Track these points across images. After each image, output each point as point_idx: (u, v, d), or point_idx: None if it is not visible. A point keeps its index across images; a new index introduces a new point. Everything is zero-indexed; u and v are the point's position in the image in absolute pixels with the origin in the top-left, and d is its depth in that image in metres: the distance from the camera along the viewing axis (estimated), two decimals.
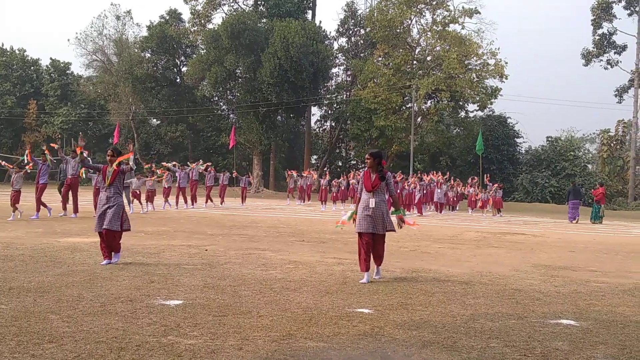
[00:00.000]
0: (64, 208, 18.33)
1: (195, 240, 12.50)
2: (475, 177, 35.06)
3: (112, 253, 9.05)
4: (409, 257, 11.09)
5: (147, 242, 11.83)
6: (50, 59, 63.03)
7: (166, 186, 24.06)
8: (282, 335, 5.23)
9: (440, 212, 28.72)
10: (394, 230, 8.39)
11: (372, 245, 8.22)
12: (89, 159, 10.54)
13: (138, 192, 21.31)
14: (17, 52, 62.79)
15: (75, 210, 18.22)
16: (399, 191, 26.85)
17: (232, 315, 5.91)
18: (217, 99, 59.47)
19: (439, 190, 27.81)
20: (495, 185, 32.08)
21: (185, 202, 24.81)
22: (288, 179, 34.85)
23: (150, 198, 21.85)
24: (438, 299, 7.14)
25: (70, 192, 18.51)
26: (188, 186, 25.26)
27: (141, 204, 21.07)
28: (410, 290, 7.60)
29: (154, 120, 60.44)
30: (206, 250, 10.90)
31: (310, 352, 4.78)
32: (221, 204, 27.36)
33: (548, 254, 12.75)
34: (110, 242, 9.01)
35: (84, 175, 17.88)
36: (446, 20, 46.58)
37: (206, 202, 26.59)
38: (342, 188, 30.38)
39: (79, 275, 7.79)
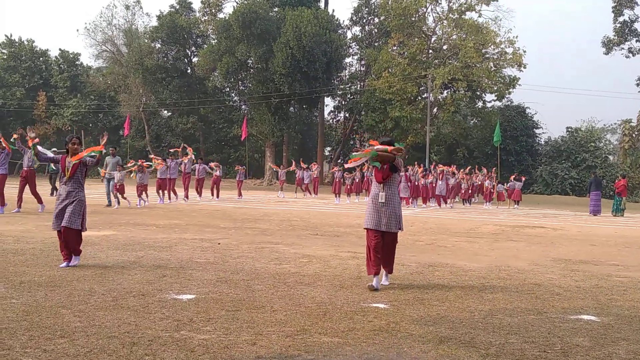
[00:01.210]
0: (19, 205, 16.86)
1: (208, 234, 12.55)
2: (491, 170, 34.73)
3: (72, 255, 8.26)
4: (425, 251, 11.08)
5: (159, 236, 11.90)
6: (60, 49, 63.32)
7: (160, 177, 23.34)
8: (296, 330, 5.25)
9: (440, 205, 27.74)
10: (401, 229, 7.69)
11: (381, 245, 7.46)
12: (45, 151, 9.65)
13: (121, 186, 20.05)
14: (25, 42, 63.04)
15: (39, 201, 17.24)
16: (416, 183, 26.82)
17: (245, 310, 5.93)
18: (228, 90, 59.52)
19: (440, 183, 27.27)
20: (513, 176, 32.05)
21: (174, 194, 24.17)
22: (280, 170, 35.07)
23: (140, 192, 20.96)
24: (455, 293, 7.13)
25: (27, 186, 17.27)
26: (180, 178, 25.08)
27: (125, 198, 20.20)
28: (426, 285, 7.60)
29: (165, 111, 60.61)
30: (219, 244, 10.95)
31: (325, 348, 4.79)
32: (217, 197, 26.99)
33: (568, 247, 12.69)
34: (69, 242, 8.23)
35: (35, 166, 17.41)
36: (462, 8, 46.28)
37: (186, 196, 25.17)
38: (357, 180, 30.33)
39: (90, 269, 7.85)
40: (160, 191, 23.35)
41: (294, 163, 34.85)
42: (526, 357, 4.75)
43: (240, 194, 29.09)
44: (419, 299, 6.76)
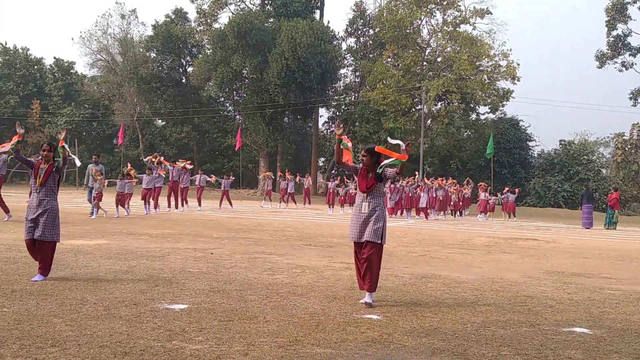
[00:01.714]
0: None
1: (201, 244, 12.52)
2: (481, 183, 34.62)
3: (40, 268, 7.77)
4: (418, 262, 11.08)
5: (152, 245, 11.86)
6: (54, 58, 63.36)
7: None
8: (289, 341, 5.24)
9: (426, 217, 27.71)
10: (383, 242, 7.09)
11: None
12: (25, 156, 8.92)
13: (99, 194, 19.14)
14: (20, 50, 63.04)
15: (6, 211, 16.78)
16: (410, 194, 26.81)
17: (238, 320, 5.91)
18: (223, 99, 59.60)
19: (422, 194, 27.20)
20: (507, 188, 32.22)
21: (154, 205, 22.83)
22: (263, 179, 34.01)
23: (121, 201, 20.04)
24: (448, 305, 7.13)
25: None
26: (166, 187, 24.47)
27: (100, 208, 19.31)
28: (419, 297, 7.59)
29: (159, 121, 60.63)
30: (212, 253, 10.92)
31: (317, 359, 4.78)
32: (197, 205, 26.43)
33: (561, 260, 12.72)
34: (43, 255, 7.79)
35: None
36: (457, 21, 46.56)
37: (177, 206, 24.47)
38: (350, 192, 30.32)
39: (82, 278, 7.82)
40: (145, 201, 22.18)
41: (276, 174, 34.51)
42: None
43: (225, 203, 28.24)
44: (411, 310, 6.75)
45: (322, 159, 58.79)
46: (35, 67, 63.21)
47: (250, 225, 18.32)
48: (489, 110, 49.39)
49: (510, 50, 45.47)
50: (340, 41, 55.25)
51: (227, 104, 60.07)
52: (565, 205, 46.32)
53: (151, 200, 22.52)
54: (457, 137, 50.08)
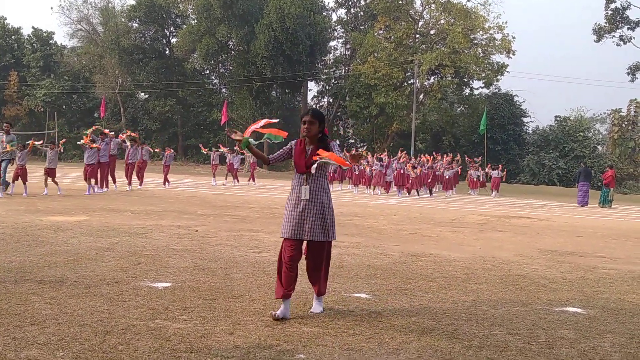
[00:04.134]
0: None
1: (185, 221, 12.50)
2: (472, 158, 34.67)
3: None
4: (408, 241, 11.12)
5: (134, 222, 11.83)
6: (32, 27, 62.60)
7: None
8: (275, 320, 5.25)
9: (387, 191, 27.61)
10: (334, 238, 5.73)
11: (298, 259, 5.64)
12: None
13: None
14: None
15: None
16: (402, 171, 26.77)
17: (223, 298, 5.92)
18: (208, 72, 59.24)
19: (389, 170, 27.25)
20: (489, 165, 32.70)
21: (97, 183, 20.15)
22: (212, 154, 30.11)
23: (23, 176, 17.70)
24: (438, 284, 7.17)
25: None
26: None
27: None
28: (409, 275, 7.63)
29: (142, 94, 60.21)
30: (196, 231, 10.91)
31: (305, 338, 4.80)
32: (140, 184, 23.26)
33: (554, 238, 12.80)
34: None
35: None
36: None
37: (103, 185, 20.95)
38: (340, 168, 30.30)
39: (62, 256, 7.79)
40: (91, 179, 19.49)
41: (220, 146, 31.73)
42: (510, 348, 4.79)
43: (166, 181, 25.51)
44: (401, 289, 6.79)
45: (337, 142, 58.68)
46: (13, 37, 62.43)
47: (236, 203, 18.30)
48: (483, 85, 49.43)
49: (506, 23, 45.79)
50: (330, 12, 54.93)
51: (213, 77, 59.74)
52: (560, 182, 46.55)
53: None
54: (450, 113, 50.11)
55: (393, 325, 5.30)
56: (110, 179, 21.11)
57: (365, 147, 49.58)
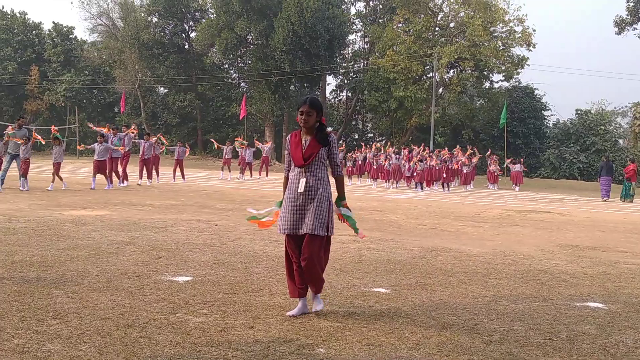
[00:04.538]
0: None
1: (205, 215, 12.57)
2: (494, 157, 34.40)
3: None
4: (428, 235, 11.10)
5: (155, 216, 11.91)
6: (53, 22, 63.08)
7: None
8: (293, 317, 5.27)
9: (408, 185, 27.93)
10: (331, 233, 5.54)
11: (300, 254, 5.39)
12: None
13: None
14: (18, 15, 62.71)
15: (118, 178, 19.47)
16: (417, 167, 26.72)
17: (243, 292, 5.95)
18: (227, 66, 59.32)
19: (405, 164, 27.33)
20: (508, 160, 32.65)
21: (118, 177, 20.54)
22: (226, 148, 29.85)
23: (25, 170, 17.27)
24: (459, 279, 7.15)
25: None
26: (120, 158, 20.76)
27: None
28: (429, 270, 7.61)
29: (161, 88, 60.45)
30: (216, 225, 10.97)
31: (324, 332, 4.81)
32: (149, 179, 22.66)
33: (575, 233, 12.71)
34: None
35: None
36: None
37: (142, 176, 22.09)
38: (359, 162, 30.35)
39: (83, 250, 7.87)
40: (102, 174, 19.50)
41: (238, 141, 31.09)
42: (531, 344, 4.77)
43: (177, 176, 24.95)
44: (421, 283, 6.78)
45: (330, 129, 58.35)
46: (34, 32, 62.84)
47: (255, 197, 18.36)
48: (503, 78, 49.06)
49: (526, 15, 45.12)
50: (348, 5, 54.76)
51: (232, 71, 59.79)
52: (581, 177, 46.16)
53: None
54: (470, 106, 49.82)
55: (413, 320, 5.29)
56: (120, 175, 20.79)
57: (384, 141, 49.43)
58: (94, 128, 20.84)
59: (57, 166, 18.15)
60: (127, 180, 21.02)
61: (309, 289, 5.46)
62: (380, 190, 24.90)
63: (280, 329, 4.84)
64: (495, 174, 31.51)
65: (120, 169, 20.71)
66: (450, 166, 28.06)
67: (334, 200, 5.69)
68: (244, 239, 9.42)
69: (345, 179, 29.92)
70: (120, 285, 6.00)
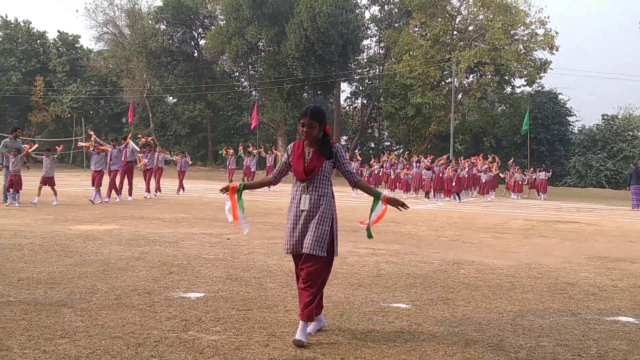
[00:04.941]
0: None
1: (216, 229, 12.59)
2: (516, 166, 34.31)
3: None
4: (449, 248, 11.05)
5: (165, 230, 11.95)
6: (58, 31, 63.64)
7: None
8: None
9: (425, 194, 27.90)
10: (336, 255, 5.34)
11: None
12: None
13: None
14: (22, 24, 63.39)
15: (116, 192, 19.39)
16: (440, 175, 26.61)
17: (257, 309, 5.95)
18: (238, 74, 59.63)
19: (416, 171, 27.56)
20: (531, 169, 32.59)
21: (116, 191, 19.87)
22: (229, 157, 30.02)
23: (17, 184, 16.92)
24: (482, 293, 7.11)
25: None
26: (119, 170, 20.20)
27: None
28: (451, 284, 7.58)
29: (170, 98, 60.83)
30: (228, 239, 10.98)
31: (342, 350, 4.80)
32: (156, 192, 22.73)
33: (604, 244, 12.62)
34: None
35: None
36: None
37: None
38: (376, 172, 30.34)
39: (92, 266, 7.90)
40: (99, 186, 18.93)
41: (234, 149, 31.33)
42: None
43: (180, 188, 24.89)
44: (442, 298, 6.75)
45: (345, 137, 58.72)
46: (38, 41, 63.52)
47: (268, 209, 18.37)
48: (525, 83, 49.01)
49: (548, 17, 45.09)
50: (363, 9, 54.98)
51: (242, 79, 60.11)
52: (609, 185, 45.93)
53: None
54: (491, 113, 49.74)
55: (435, 336, 5.27)
56: (126, 187, 20.70)
57: (401, 150, 49.43)
58: (100, 147, 20.45)
59: (49, 180, 17.92)
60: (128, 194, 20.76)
61: (301, 312, 5.07)
62: None
63: (297, 347, 4.82)
64: (520, 182, 31.36)
65: (120, 181, 20.41)
66: (459, 174, 27.55)
67: (371, 204, 5.66)
68: (257, 253, 9.43)
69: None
70: (130, 302, 6.02)
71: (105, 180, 19.63)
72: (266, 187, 6.59)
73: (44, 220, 13.18)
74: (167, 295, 6.37)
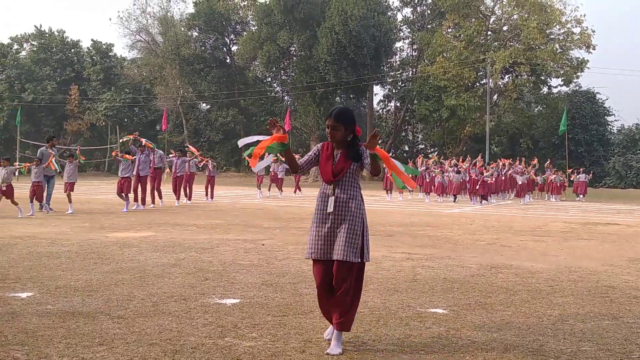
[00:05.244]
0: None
1: (251, 234, 12.65)
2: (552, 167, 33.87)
3: None
4: (486, 252, 10.97)
5: (200, 237, 12.04)
6: (92, 40, 64.56)
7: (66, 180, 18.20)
8: (348, 337, 5.24)
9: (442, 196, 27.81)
10: (367, 260, 5.17)
11: (331, 282, 5.04)
12: None
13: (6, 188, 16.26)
14: (56, 33, 64.39)
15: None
16: (475, 177, 26.40)
17: (293, 315, 5.96)
18: (270, 80, 59.91)
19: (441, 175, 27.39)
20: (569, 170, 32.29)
21: (136, 199, 19.35)
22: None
23: (39, 195, 16.95)
24: (521, 297, 7.04)
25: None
26: (149, 175, 19.89)
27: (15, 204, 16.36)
28: (489, 289, 7.52)
29: (203, 104, 61.30)
30: (263, 244, 11.02)
31: (380, 356, 4.78)
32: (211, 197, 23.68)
33: None
34: None
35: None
36: None
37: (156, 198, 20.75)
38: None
39: (128, 273, 7.99)
40: (127, 194, 18.67)
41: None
42: None
43: (208, 195, 24.44)
44: (481, 303, 6.69)
45: (379, 141, 58.58)
46: (72, 50, 64.44)
47: (302, 214, 18.41)
48: (561, 83, 48.57)
49: (584, 15, 44.55)
50: (395, 12, 54.88)
51: (275, 84, 60.38)
52: None
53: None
54: (527, 113, 49.31)
55: (473, 342, 5.23)
56: (156, 193, 20.41)
57: (436, 153, 49.18)
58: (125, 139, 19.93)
59: (70, 186, 17.78)
60: (152, 202, 20.28)
61: (336, 321, 4.96)
62: (434, 205, 24.72)
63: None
64: (558, 184, 30.98)
65: (150, 188, 20.16)
66: (485, 179, 26.96)
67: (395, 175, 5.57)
68: (292, 258, 9.45)
69: (396, 194, 29.89)
70: (167, 309, 6.07)
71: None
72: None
73: (80, 228, 13.36)
74: (203, 302, 6.42)
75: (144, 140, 20.12)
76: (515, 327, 5.74)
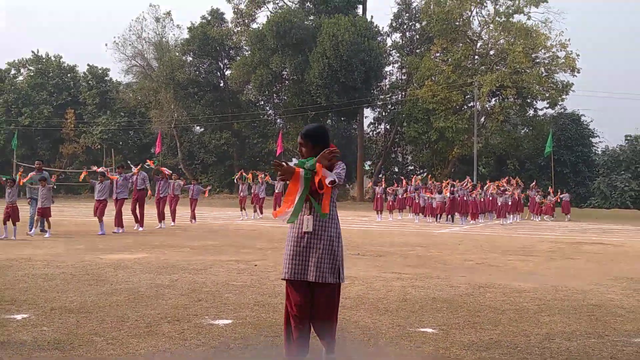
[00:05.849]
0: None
1: (244, 255, 12.62)
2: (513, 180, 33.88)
3: None
4: (475, 271, 10.97)
5: (193, 258, 12.01)
6: (88, 65, 64.54)
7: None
8: (339, 357, 5.23)
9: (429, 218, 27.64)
10: (342, 280, 4.99)
11: (308, 305, 4.89)
12: None
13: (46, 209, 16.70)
14: (52, 58, 64.43)
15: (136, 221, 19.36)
16: (464, 198, 26.48)
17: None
18: (262, 103, 59.98)
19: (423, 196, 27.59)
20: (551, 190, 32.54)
21: (136, 220, 19.55)
22: (241, 184, 29.25)
23: (13, 217, 16.01)
24: (509, 317, 7.05)
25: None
26: (130, 198, 20.10)
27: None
28: (477, 308, 7.52)
29: (197, 127, 61.27)
30: (256, 265, 11.00)
31: None
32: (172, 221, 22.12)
33: (630, 265, 12.46)
34: None
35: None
36: (510, 11, 46.01)
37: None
38: (399, 196, 30.25)
39: (122, 294, 7.96)
40: (98, 217, 17.87)
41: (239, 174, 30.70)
42: None
43: (192, 217, 23.79)
44: (469, 322, 6.69)
45: (369, 163, 58.65)
46: (69, 75, 64.41)
47: None
48: (547, 106, 48.77)
49: (569, 40, 44.80)
50: (384, 37, 55.07)
51: (267, 108, 60.43)
52: (634, 205, 45.27)
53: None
54: (514, 135, 49.45)
55: None
56: (137, 216, 19.67)
57: (425, 174, 49.25)
58: (97, 169, 19.18)
59: (45, 211, 16.83)
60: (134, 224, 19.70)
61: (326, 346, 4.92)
62: (423, 225, 24.74)
63: None
64: (550, 204, 31.26)
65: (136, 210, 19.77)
66: (456, 198, 26.83)
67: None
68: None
69: (386, 214, 29.90)
70: (160, 330, 6.05)
71: (110, 209, 19.09)
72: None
73: (75, 250, 13.30)
74: (196, 323, 6.39)
75: (165, 170, 21.38)
76: (504, 346, 5.75)
